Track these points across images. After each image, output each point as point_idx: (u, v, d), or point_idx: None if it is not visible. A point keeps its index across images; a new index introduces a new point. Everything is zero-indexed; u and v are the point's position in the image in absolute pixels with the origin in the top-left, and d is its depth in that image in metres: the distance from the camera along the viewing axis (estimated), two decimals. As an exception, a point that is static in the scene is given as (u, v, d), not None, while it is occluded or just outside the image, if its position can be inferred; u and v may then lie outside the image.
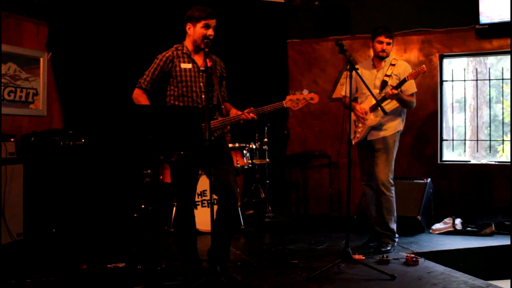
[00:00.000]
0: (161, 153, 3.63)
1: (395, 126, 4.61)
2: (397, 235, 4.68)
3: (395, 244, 4.63)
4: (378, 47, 4.57)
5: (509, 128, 6.30)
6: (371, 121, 4.57)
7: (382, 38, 4.54)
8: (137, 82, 3.61)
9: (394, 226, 4.62)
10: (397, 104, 4.55)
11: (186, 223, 3.66)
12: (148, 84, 3.59)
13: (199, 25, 3.52)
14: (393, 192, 4.60)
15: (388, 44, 4.56)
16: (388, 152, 4.57)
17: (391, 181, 4.58)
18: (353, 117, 4.56)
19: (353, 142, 4.69)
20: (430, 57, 6.12)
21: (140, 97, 3.58)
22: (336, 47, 4.04)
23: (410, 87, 4.55)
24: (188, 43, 3.62)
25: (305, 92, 3.55)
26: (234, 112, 3.58)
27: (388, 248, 4.49)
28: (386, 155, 4.56)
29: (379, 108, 4.34)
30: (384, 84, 4.55)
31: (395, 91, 4.35)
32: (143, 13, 5.97)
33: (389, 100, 4.47)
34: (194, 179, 3.70)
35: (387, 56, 4.61)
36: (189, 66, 3.57)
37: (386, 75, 4.57)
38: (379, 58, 4.62)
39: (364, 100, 4.67)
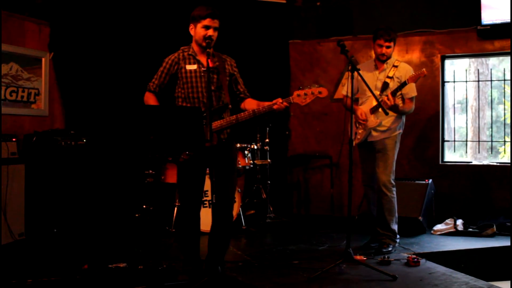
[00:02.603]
0: (166, 154, 3.63)
1: (396, 127, 4.60)
2: (398, 236, 4.68)
3: (396, 245, 4.63)
4: (378, 50, 4.55)
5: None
6: (372, 123, 4.56)
7: (381, 42, 4.51)
8: (147, 86, 3.65)
9: (395, 227, 4.62)
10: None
11: (190, 223, 3.64)
12: (156, 88, 3.61)
13: (200, 26, 3.51)
14: (394, 193, 4.60)
15: (388, 47, 4.52)
16: (389, 153, 4.57)
17: (392, 182, 4.58)
18: (354, 117, 4.56)
19: (354, 143, 4.68)
20: (432, 58, 6.11)
21: (150, 99, 3.61)
22: (337, 48, 4.02)
23: (411, 90, 4.53)
24: (193, 44, 3.62)
25: (314, 86, 3.53)
26: (255, 104, 3.57)
27: (389, 249, 4.49)
28: (387, 156, 4.56)
29: (379, 110, 4.34)
30: (385, 85, 4.54)
31: (392, 103, 4.33)
32: (146, 13, 5.96)
33: None
34: (201, 180, 3.69)
35: (388, 58, 4.59)
36: (194, 67, 3.57)
37: (388, 77, 4.55)
38: (380, 60, 4.62)
39: (365, 101, 4.66)
